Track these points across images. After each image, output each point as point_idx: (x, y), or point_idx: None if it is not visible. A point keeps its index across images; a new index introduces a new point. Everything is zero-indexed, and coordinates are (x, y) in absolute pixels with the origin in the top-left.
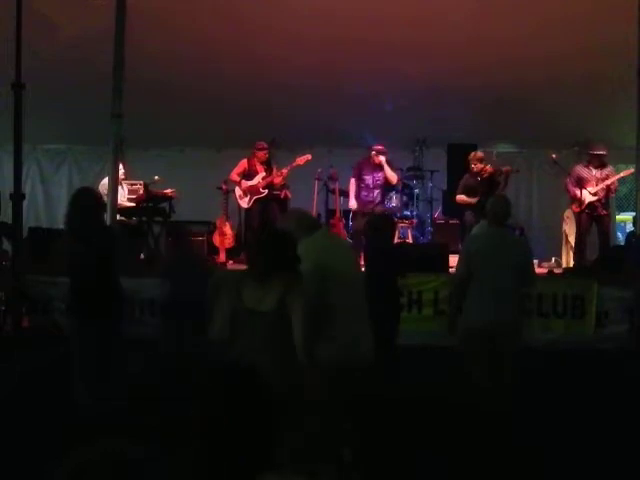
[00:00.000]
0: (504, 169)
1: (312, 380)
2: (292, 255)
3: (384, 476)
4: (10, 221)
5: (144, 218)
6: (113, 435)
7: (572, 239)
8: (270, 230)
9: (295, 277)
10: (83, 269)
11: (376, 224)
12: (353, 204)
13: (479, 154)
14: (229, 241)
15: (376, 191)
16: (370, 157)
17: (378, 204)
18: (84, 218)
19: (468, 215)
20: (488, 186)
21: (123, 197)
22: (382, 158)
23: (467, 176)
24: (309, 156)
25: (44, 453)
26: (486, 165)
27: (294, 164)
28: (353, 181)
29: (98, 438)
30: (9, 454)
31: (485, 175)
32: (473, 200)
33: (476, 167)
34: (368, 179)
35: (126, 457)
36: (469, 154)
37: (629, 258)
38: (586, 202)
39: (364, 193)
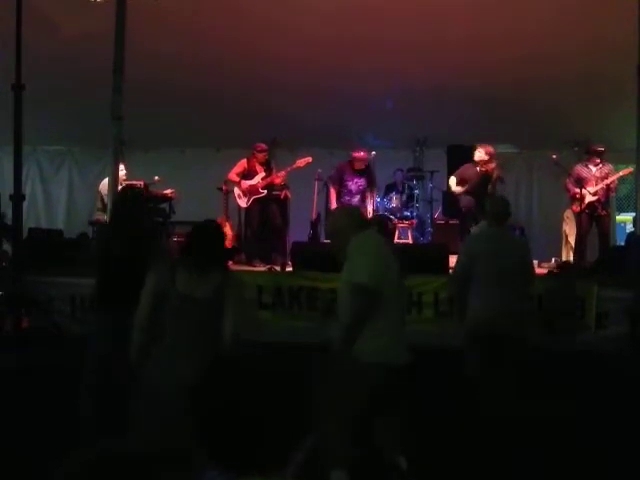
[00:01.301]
0: (496, 173)
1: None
2: (223, 248)
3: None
4: (10, 222)
5: None
6: (113, 435)
7: (572, 239)
8: (204, 224)
9: (231, 271)
10: (117, 264)
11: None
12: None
13: (490, 148)
14: (229, 241)
15: (357, 196)
16: (351, 161)
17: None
18: (129, 217)
19: (464, 200)
20: (482, 179)
21: None
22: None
23: (467, 165)
24: (309, 158)
25: (44, 453)
26: (490, 160)
27: (294, 166)
28: (332, 188)
29: (98, 438)
30: (9, 454)
31: (483, 168)
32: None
33: (479, 155)
34: (350, 184)
35: (126, 457)
36: (474, 147)
37: (629, 259)
38: (586, 201)
39: (346, 198)
